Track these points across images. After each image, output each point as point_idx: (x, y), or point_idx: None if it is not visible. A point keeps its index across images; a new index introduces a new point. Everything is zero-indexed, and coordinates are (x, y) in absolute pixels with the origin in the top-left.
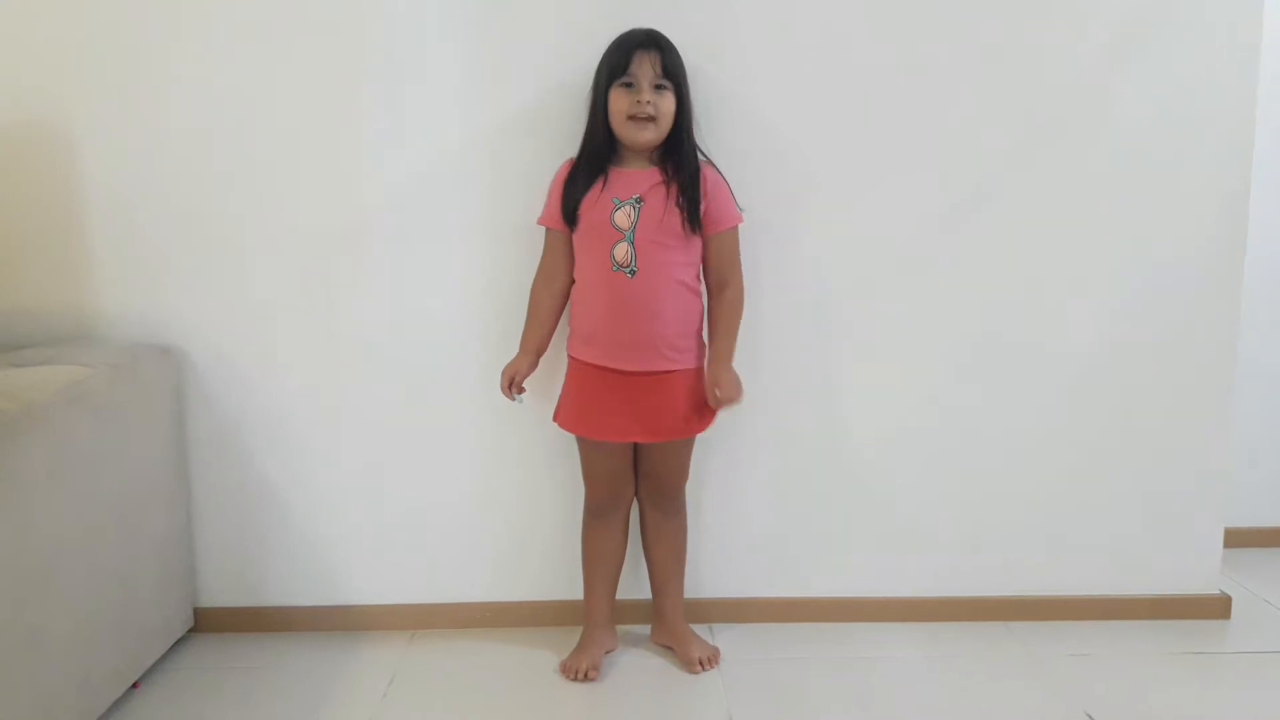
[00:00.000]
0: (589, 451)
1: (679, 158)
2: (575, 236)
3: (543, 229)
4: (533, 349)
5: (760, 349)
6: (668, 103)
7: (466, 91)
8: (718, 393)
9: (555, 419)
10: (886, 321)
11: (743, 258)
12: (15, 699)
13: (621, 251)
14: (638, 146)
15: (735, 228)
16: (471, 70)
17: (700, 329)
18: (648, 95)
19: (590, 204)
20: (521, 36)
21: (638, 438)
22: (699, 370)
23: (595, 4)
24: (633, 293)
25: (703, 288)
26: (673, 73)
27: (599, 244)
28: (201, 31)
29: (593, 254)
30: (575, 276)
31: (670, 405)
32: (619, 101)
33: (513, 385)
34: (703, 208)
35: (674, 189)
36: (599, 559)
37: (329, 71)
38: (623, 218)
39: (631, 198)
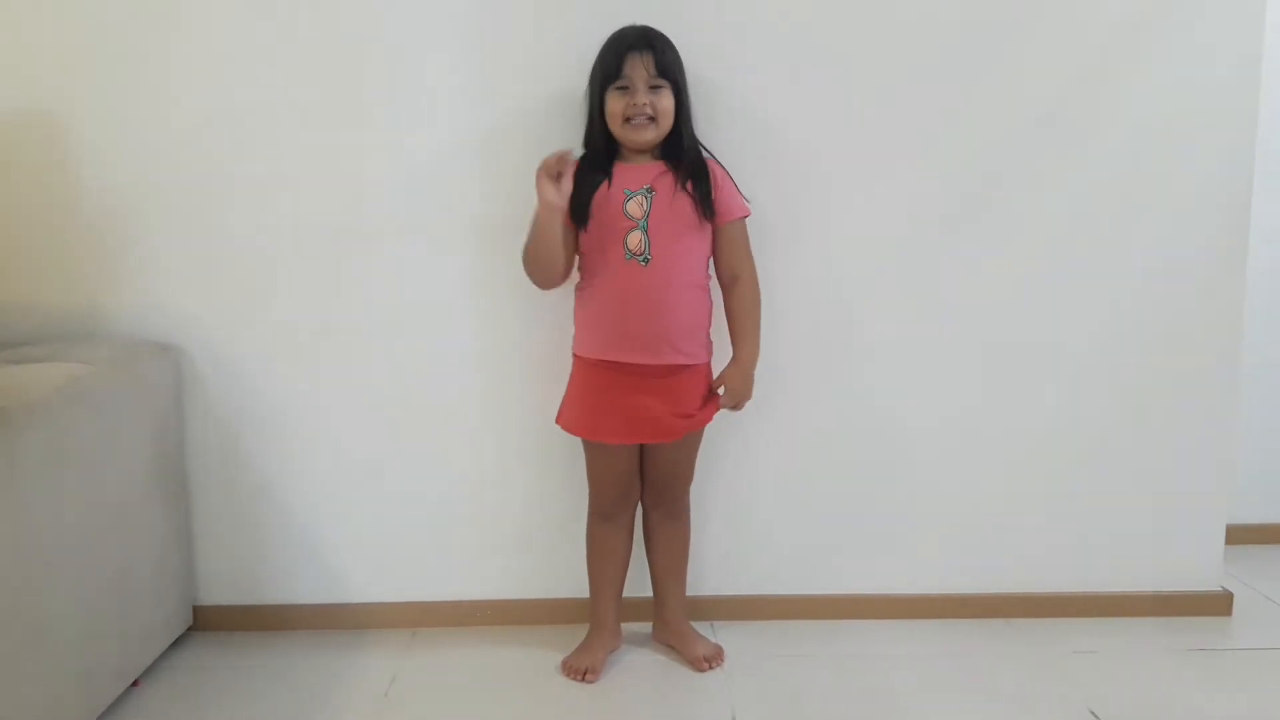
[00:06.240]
0: (595, 455)
1: (680, 150)
2: (584, 234)
3: None
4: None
5: (764, 347)
6: (665, 100)
7: (466, 89)
8: (720, 391)
9: (559, 422)
10: (889, 320)
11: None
12: (16, 697)
13: (635, 240)
14: (638, 147)
15: (743, 220)
16: (472, 68)
17: (709, 328)
18: (644, 97)
19: (601, 199)
20: (521, 35)
21: (645, 438)
22: (707, 368)
23: (594, 2)
24: (647, 282)
25: (712, 285)
26: (667, 71)
27: (612, 234)
28: (202, 29)
29: (605, 246)
30: (582, 273)
31: (677, 404)
32: (615, 104)
33: (561, 162)
34: (713, 195)
35: (680, 175)
36: (605, 562)
37: (330, 70)
38: (635, 207)
39: (642, 188)
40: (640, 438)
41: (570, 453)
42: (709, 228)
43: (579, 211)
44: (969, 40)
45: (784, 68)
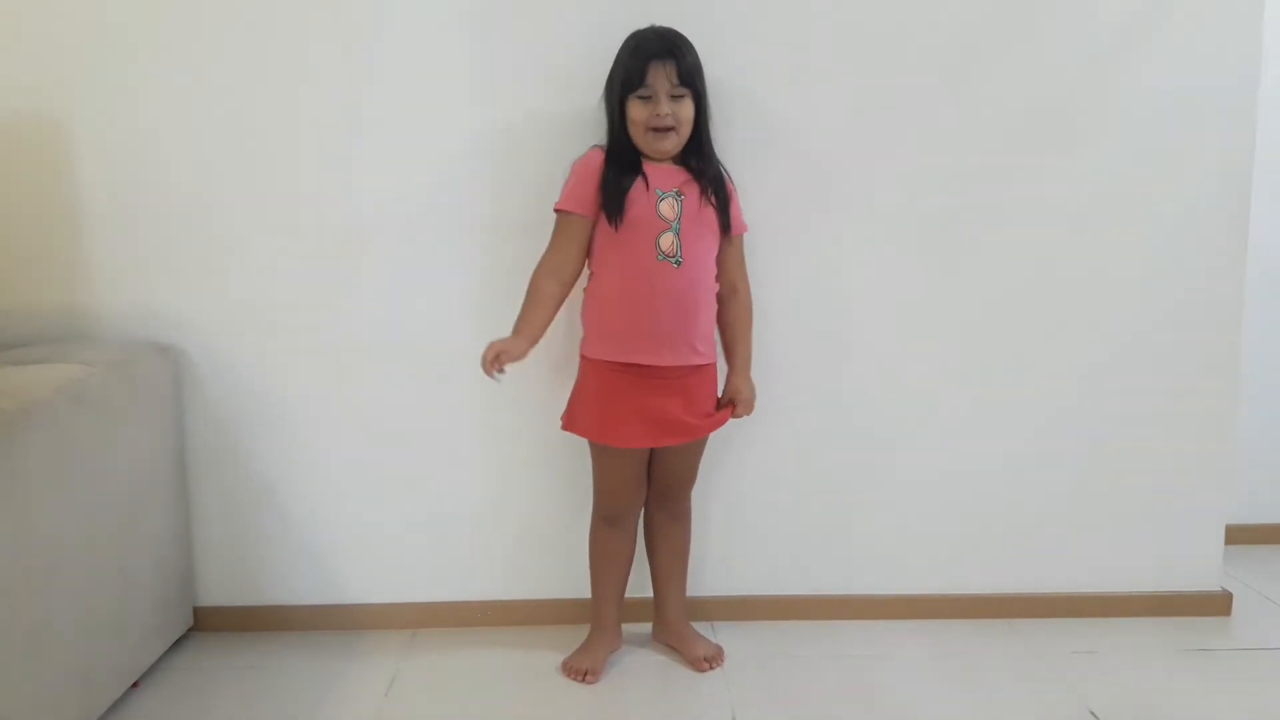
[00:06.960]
0: (606, 459)
1: (700, 157)
2: (611, 231)
3: (542, 222)
4: (532, 335)
5: (765, 349)
6: (686, 109)
7: (469, 91)
8: (734, 403)
9: (569, 428)
10: (888, 321)
11: (748, 260)
12: (16, 699)
13: (667, 241)
14: (660, 156)
15: (742, 236)
16: (475, 69)
17: (715, 329)
18: (666, 107)
19: (637, 195)
20: (527, 36)
21: (665, 440)
22: (714, 367)
23: (603, 3)
24: (677, 283)
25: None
26: (689, 79)
27: (643, 235)
28: (201, 29)
29: (634, 245)
30: (598, 271)
31: (693, 405)
32: (637, 112)
33: (498, 360)
34: (731, 209)
35: (705, 184)
36: (609, 565)
37: (330, 70)
38: (668, 208)
39: (672, 190)
40: (661, 440)
41: (571, 453)
42: (720, 237)
43: (614, 206)
44: (969, 40)
45: (784, 68)
